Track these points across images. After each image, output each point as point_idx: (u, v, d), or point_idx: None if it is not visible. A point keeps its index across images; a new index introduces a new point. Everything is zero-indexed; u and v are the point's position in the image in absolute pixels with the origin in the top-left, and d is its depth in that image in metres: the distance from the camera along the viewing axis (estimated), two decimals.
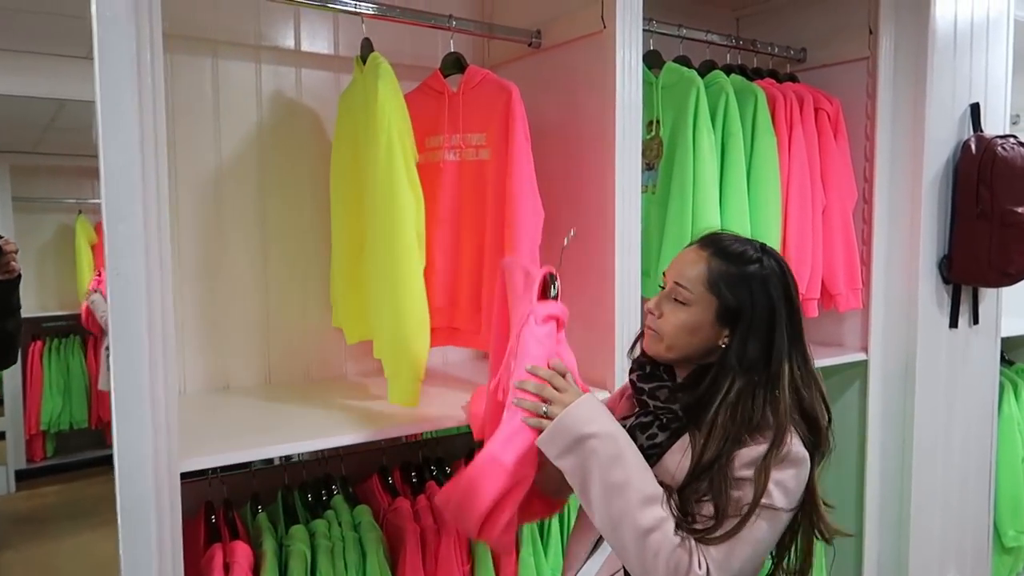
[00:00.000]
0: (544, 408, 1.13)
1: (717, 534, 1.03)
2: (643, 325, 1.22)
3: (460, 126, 1.74)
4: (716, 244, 1.16)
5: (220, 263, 1.80)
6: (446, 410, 1.58)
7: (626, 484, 1.05)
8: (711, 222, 1.88)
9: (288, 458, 1.76)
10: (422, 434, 1.86)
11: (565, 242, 1.28)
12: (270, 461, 1.73)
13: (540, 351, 1.18)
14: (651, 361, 1.21)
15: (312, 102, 1.89)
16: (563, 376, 1.18)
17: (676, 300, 1.15)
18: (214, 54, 1.77)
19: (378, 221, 1.53)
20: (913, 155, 2.21)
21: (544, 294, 1.23)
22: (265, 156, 1.84)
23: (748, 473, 1.05)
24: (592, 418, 1.11)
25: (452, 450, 1.94)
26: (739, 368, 1.10)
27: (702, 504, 1.06)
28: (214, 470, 1.44)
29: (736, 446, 1.06)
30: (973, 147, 2.20)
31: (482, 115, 1.71)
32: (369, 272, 1.60)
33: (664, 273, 1.20)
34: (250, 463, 1.51)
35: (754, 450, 1.06)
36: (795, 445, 1.07)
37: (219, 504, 1.62)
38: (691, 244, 1.20)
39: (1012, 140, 2.20)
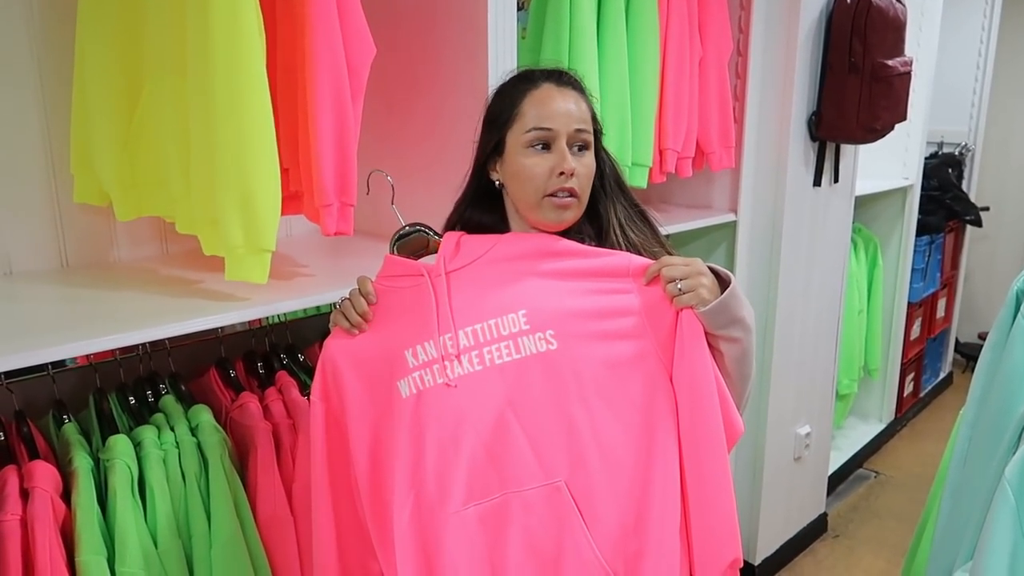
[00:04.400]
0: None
1: None
2: (550, 193, 1.04)
3: None
4: (565, 79, 1.09)
5: None
6: (294, 290, 1.34)
7: None
8: (587, 74, 1.68)
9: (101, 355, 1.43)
10: (263, 320, 1.61)
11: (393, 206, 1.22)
12: (74, 360, 1.40)
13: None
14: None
15: None
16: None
17: (579, 148, 1.06)
18: None
19: (214, 52, 1.13)
20: (790, 4, 2.09)
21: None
22: None
23: None
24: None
25: (304, 335, 1.70)
26: (616, 189, 1.12)
27: None
28: None
29: None
30: None
31: None
32: (195, 127, 1.19)
33: (539, 127, 1.04)
34: (44, 365, 1.19)
35: None
36: None
37: (9, 417, 1.31)
38: (536, 86, 1.07)
39: None
